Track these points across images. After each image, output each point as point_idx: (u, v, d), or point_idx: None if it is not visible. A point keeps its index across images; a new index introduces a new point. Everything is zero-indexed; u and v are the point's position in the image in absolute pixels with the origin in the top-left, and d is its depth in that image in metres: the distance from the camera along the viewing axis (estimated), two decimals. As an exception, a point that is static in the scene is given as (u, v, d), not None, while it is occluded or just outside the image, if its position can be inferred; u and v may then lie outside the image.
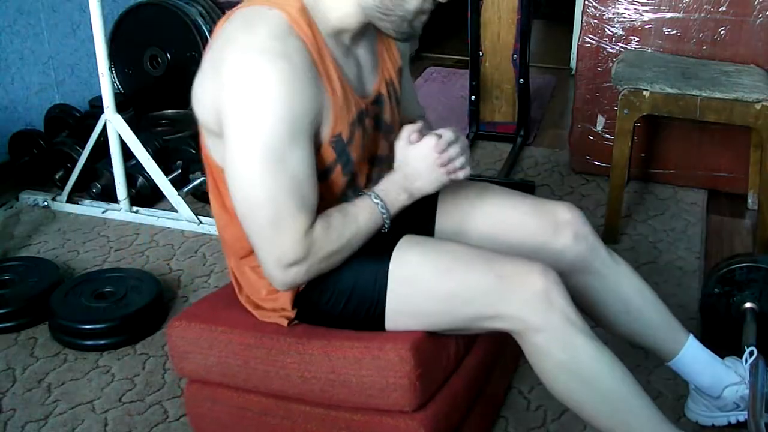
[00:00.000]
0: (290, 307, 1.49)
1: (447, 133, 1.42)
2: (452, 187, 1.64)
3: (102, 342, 2.15)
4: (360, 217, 1.39)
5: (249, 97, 1.26)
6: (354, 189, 1.47)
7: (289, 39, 1.28)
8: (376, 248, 1.44)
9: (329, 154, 1.38)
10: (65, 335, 2.18)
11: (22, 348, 2.18)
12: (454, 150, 1.41)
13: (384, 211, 1.41)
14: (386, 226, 1.43)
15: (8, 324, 2.24)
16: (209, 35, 3.68)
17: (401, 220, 1.52)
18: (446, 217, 1.64)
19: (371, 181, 1.50)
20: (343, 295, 1.45)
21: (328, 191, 1.42)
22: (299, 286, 1.45)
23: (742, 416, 1.73)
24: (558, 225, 1.60)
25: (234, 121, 1.29)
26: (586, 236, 1.62)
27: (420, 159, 1.41)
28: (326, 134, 1.36)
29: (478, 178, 3.07)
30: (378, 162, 1.53)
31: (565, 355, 1.38)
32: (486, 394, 1.75)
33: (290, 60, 1.26)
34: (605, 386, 1.41)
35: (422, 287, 1.42)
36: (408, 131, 1.43)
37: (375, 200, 1.41)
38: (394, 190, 1.42)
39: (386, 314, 1.45)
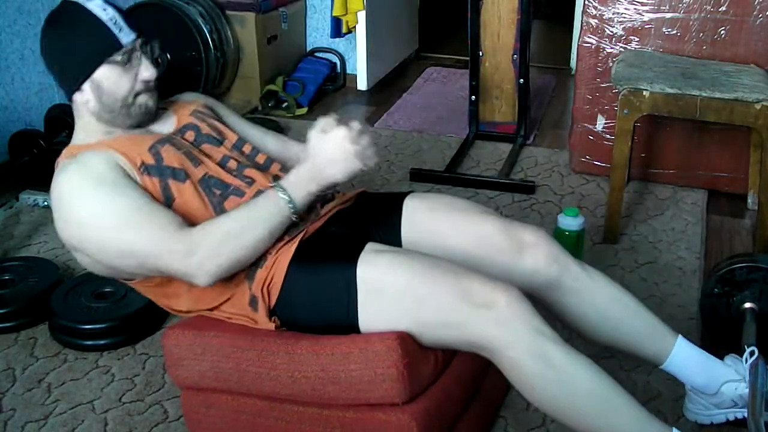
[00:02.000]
0: (268, 322, 1.52)
1: (356, 124, 1.47)
2: (417, 198, 1.69)
3: (102, 342, 2.15)
4: (259, 204, 1.49)
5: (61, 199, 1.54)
6: (218, 185, 1.58)
7: (82, 159, 1.55)
8: (342, 255, 1.49)
9: (149, 180, 1.53)
10: (65, 335, 2.18)
11: (22, 348, 2.18)
12: (365, 139, 1.46)
13: (286, 197, 1.48)
14: (293, 216, 1.49)
15: (8, 324, 2.24)
16: (209, 35, 3.69)
17: (365, 228, 1.59)
18: (412, 228, 1.67)
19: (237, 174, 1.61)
20: (314, 309, 1.50)
21: (195, 199, 1.54)
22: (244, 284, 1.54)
23: (740, 413, 1.73)
24: (523, 247, 1.63)
25: (79, 217, 1.53)
26: (556, 257, 1.64)
27: (334, 148, 1.46)
28: (134, 170, 1.53)
29: (478, 178, 3.07)
30: (227, 161, 1.63)
31: (538, 365, 1.40)
32: (482, 394, 1.75)
33: (87, 170, 1.52)
34: (583, 388, 1.42)
35: (391, 290, 1.45)
36: (322, 122, 1.48)
37: (277, 190, 1.49)
38: (303, 180, 1.49)
39: (360, 324, 1.47)
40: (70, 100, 1.60)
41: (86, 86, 1.55)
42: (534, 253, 1.62)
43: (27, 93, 3.33)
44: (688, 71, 2.58)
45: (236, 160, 1.64)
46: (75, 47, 1.54)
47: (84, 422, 1.91)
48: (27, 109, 3.34)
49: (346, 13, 3.77)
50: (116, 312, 2.19)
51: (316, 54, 4.26)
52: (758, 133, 2.51)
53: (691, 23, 2.78)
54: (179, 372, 1.60)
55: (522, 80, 3.35)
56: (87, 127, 1.62)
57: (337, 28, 3.89)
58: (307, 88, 3.98)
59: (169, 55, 3.71)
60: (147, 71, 1.59)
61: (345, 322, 1.48)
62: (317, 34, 4.25)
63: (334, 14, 3.78)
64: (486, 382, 1.76)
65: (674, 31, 2.81)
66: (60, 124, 3.31)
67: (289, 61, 4.16)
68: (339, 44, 4.20)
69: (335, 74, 4.22)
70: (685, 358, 1.70)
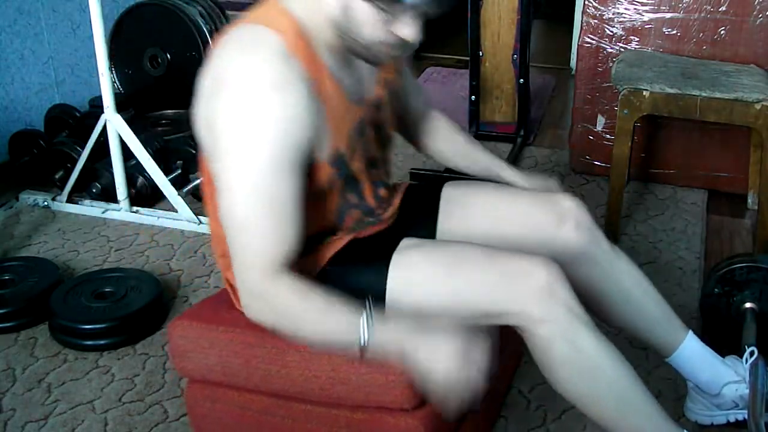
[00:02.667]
0: None
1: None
2: (452, 186, 1.64)
3: (102, 342, 2.15)
4: (340, 321, 1.28)
5: (243, 123, 1.25)
6: (356, 194, 1.47)
7: (286, 64, 1.26)
8: (376, 253, 1.44)
9: (327, 171, 1.37)
10: (65, 335, 2.18)
11: (22, 348, 2.18)
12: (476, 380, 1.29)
13: (363, 339, 1.26)
14: (359, 350, 1.28)
15: (8, 324, 2.24)
16: (209, 35, 3.69)
17: (401, 223, 1.51)
18: (447, 217, 1.65)
19: (371, 184, 1.50)
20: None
21: (328, 203, 1.42)
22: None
23: (740, 415, 1.73)
24: (561, 215, 1.60)
25: (226, 143, 1.27)
26: (588, 226, 1.63)
27: (447, 359, 1.26)
28: (324, 153, 1.35)
29: (478, 178, 3.07)
30: (375, 164, 1.52)
31: (568, 347, 1.38)
32: (486, 395, 1.75)
33: (286, 88, 1.25)
34: (607, 379, 1.41)
35: (423, 289, 1.42)
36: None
37: (363, 325, 1.26)
38: (393, 338, 1.28)
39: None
40: None
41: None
42: (569, 220, 1.60)
43: (27, 93, 3.33)
44: (688, 71, 2.58)
45: (380, 170, 1.51)
46: None
47: (84, 422, 1.91)
48: (27, 109, 3.34)
49: (346, 13, 3.77)
50: (116, 312, 2.19)
51: (316, 54, 4.25)
52: (758, 133, 2.51)
53: (691, 23, 2.78)
54: (184, 364, 1.58)
55: (522, 80, 3.34)
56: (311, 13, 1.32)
57: (337, 28, 3.89)
58: (307, 88, 3.98)
59: (169, 55, 3.72)
60: (410, 32, 1.30)
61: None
62: (317, 34, 4.24)
63: (334, 14, 3.77)
64: (491, 381, 1.76)
65: (674, 31, 2.81)
66: (60, 124, 3.32)
67: (289, 61, 4.15)
68: (339, 44, 4.19)
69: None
70: (693, 353, 1.70)
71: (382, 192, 1.55)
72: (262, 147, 1.25)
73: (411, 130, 1.75)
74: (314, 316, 1.30)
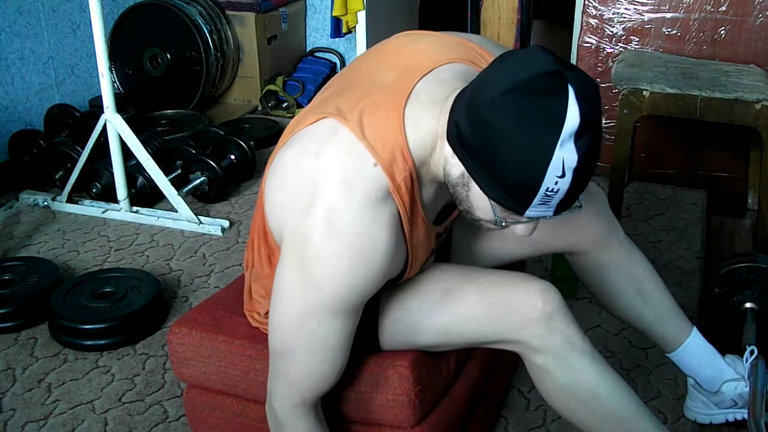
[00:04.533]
0: None
1: None
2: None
3: (102, 342, 2.15)
4: None
5: (316, 266, 1.19)
6: None
7: (378, 214, 1.18)
8: None
9: None
10: (65, 335, 2.18)
11: (22, 348, 2.18)
12: None
13: None
14: None
15: (8, 324, 2.24)
16: (209, 35, 3.69)
17: None
18: (458, 231, 1.62)
19: None
20: None
21: None
22: None
23: (740, 414, 1.73)
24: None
25: (298, 265, 1.21)
26: (606, 215, 1.63)
27: None
28: (395, 277, 1.32)
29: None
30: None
31: (565, 378, 1.37)
32: (486, 396, 1.75)
33: (372, 245, 1.18)
34: (606, 409, 1.40)
35: (418, 318, 1.40)
36: None
37: None
38: None
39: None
40: (454, 143, 1.16)
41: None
42: (591, 207, 1.57)
43: (27, 93, 3.33)
44: (688, 71, 2.57)
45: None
46: (516, 152, 1.08)
47: (84, 422, 1.91)
48: (27, 109, 3.34)
49: (346, 13, 3.76)
50: (116, 312, 2.19)
51: (316, 54, 4.26)
52: (758, 133, 2.51)
53: (691, 23, 2.78)
54: (183, 370, 1.59)
55: (522, 80, 3.34)
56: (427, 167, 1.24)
57: (337, 28, 3.89)
58: (307, 88, 3.98)
59: (169, 55, 3.72)
60: (523, 230, 1.23)
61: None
62: (317, 34, 4.25)
63: (334, 14, 3.77)
64: (491, 384, 1.76)
65: (674, 31, 2.81)
66: (60, 124, 3.32)
67: (289, 61, 4.16)
68: (339, 44, 4.20)
69: (335, 74, 4.22)
70: (697, 350, 1.70)
71: None
72: (336, 288, 1.20)
73: None
74: None
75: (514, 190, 1.11)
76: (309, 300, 1.22)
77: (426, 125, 1.21)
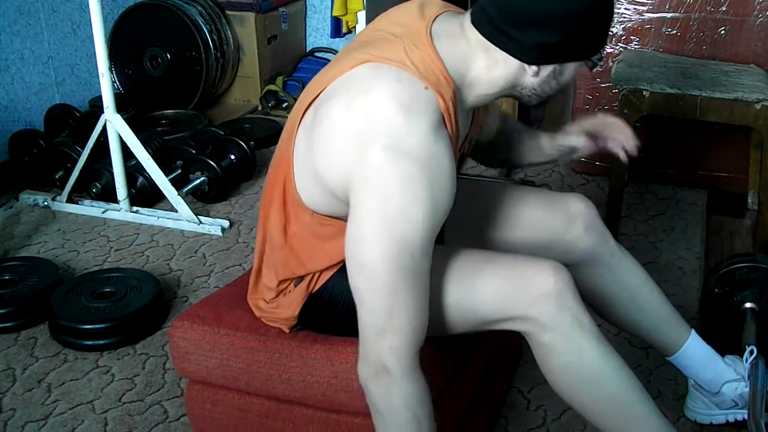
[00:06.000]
0: (295, 319, 1.48)
1: None
2: (460, 187, 1.63)
3: (102, 342, 2.15)
4: None
5: (398, 195, 1.19)
6: None
7: (439, 137, 1.21)
8: None
9: None
10: (65, 335, 2.18)
11: (22, 348, 2.18)
12: None
13: None
14: None
15: (8, 324, 2.24)
16: (209, 35, 3.69)
17: None
18: (455, 218, 1.63)
19: None
20: (348, 308, 1.43)
21: None
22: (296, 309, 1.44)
23: (740, 414, 1.73)
24: (570, 217, 1.60)
25: (377, 201, 1.20)
26: (596, 228, 1.62)
27: None
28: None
29: (479, 178, 3.06)
30: None
31: (571, 356, 1.37)
32: (487, 394, 1.75)
33: (441, 165, 1.21)
34: (610, 390, 1.40)
35: (431, 296, 1.38)
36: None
37: None
38: None
39: None
40: (529, 59, 1.28)
41: (551, 67, 1.30)
42: (579, 222, 1.59)
43: (27, 93, 3.33)
44: (688, 71, 2.57)
45: None
46: (601, 19, 1.28)
47: (84, 422, 1.91)
48: (27, 109, 3.34)
49: (346, 13, 3.77)
50: (116, 312, 2.19)
51: (316, 54, 4.26)
52: (758, 133, 2.51)
53: (691, 23, 2.78)
54: (185, 365, 1.58)
55: (522, 80, 3.34)
56: (488, 82, 1.32)
57: (337, 28, 3.89)
58: (307, 88, 3.98)
59: (169, 55, 3.72)
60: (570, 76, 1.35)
61: None
62: (317, 34, 4.25)
63: (334, 14, 3.78)
64: (492, 382, 1.76)
65: (674, 31, 2.81)
66: (60, 124, 3.32)
67: (289, 61, 4.16)
68: (339, 44, 4.19)
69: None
70: (696, 352, 1.70)
71: None
72: (419, 210, 1.20)
73: (500, 153, 1.73)
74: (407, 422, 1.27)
75: (603, 32, 1.29)
76: (397, 232, 1.20)
77: (458, 53, 1.29)
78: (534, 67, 1.29)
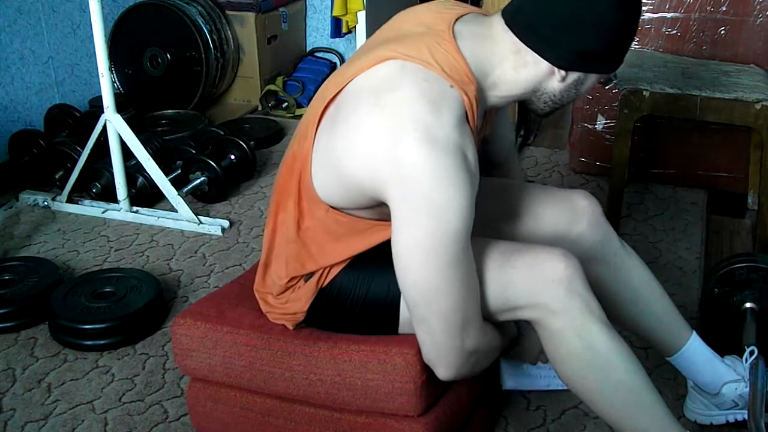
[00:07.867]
0: (303, 314, 1.48)
1: None
2: None
3: (102, 342, 2.15)
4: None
5: (434, 193, 1.21)
6: None
7: (465, 132, 1.25)
8: (388, 254, 1.42)
9: None
10: (65, 335, 2.18)
11: (22, 348, 2.18)
12: None
13: None
14: None
15: (8, 324, 2.24)
16: (209, 35, 3.69)
17: None
18: None
19: None
20: (357, 303, 1.45)
21: None
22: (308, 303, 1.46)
23: (740, 415, 1.73)
24: (575, 213, 1.60)
25: (418, 195, 1.23)
26: (601, 225, 1.63)
27: None
28: None
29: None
30: None
31: (580, 342, 1.38)
32: (487, 396, 1.75)
33: (469, 158, 1.24)
34: (617, 377, 1.40)
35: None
36: None
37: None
38: None
39: (400, 320, 1.45)
40: (559, 64, 1.31)
41: (576, 75, 1.33)
42: (583, 218, 1.60)
43: (27, 93, 3.33)
44: (688, 71, 2.57)
45: None
46: (633, 35, 1.35)
47: (84, 422, 1.91)
48: (27, 109, 3.34)
49: (346, 13, 3.76)
50: (116, 312, 2.19)
51: (316, 54, 4.26)
52: (758, 133, 2.51)
53: (691, 23, 2.78)
54: (187, 362, 1.58)
55: (522, 80, 3.34)
56: (512, 82, 1.35)
57: (337, 28, 3.89)
58: (307, 88, 3.98)
59: (169, 55, 3.72)
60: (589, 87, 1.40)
61: (386, 317, 1.44)
62: (317, 34, 4.25)
63: (334, 14, 3.77)
64: (492, 383, 1.76)
65: (674, 31, 2.81)
66: (60, 124, 3.32)
67: (289, 61, 4.16)
68: (339, 44, 4.20)
69: (335, 74, 4.22)
70: (696, 354, 1.70)
71: None
72: (460, 197, 1.22)
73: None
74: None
75: (628, 49, 1.33)
76: (444, 221, 1.22)
77: (483, 52, 1.31)
78: (562, 73, 1.31)
